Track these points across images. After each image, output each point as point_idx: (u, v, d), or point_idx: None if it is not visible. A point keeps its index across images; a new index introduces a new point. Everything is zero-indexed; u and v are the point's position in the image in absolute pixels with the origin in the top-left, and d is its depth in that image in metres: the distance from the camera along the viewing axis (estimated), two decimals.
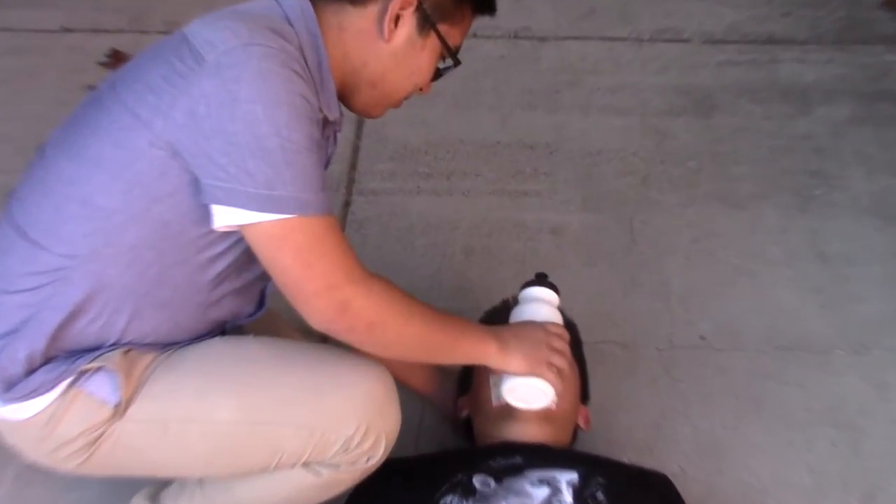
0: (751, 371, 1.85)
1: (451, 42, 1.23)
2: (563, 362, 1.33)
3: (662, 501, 1.38)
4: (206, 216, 1.08)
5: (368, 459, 1.24)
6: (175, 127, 1.03)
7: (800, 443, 1.72)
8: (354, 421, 1.19)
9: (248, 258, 1.15)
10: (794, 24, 2.86)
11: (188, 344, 1.24)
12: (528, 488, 1.27)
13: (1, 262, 1.15)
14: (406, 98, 1.28)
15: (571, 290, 1.51)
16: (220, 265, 1.17)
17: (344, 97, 1.24)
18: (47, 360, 1.14)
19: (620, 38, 2.82)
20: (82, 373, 1.14)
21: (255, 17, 1.09)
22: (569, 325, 1.54)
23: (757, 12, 2.91)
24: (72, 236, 1.10)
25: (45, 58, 2.73)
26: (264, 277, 1.23)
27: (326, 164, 1.25)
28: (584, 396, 1.61)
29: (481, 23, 1.28)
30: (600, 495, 1.27)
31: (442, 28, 1.20)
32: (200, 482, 1.38)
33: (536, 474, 1.29)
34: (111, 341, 1.16)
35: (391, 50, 1.19)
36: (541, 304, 1.44)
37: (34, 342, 1.12)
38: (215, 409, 1.17)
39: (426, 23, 1.18)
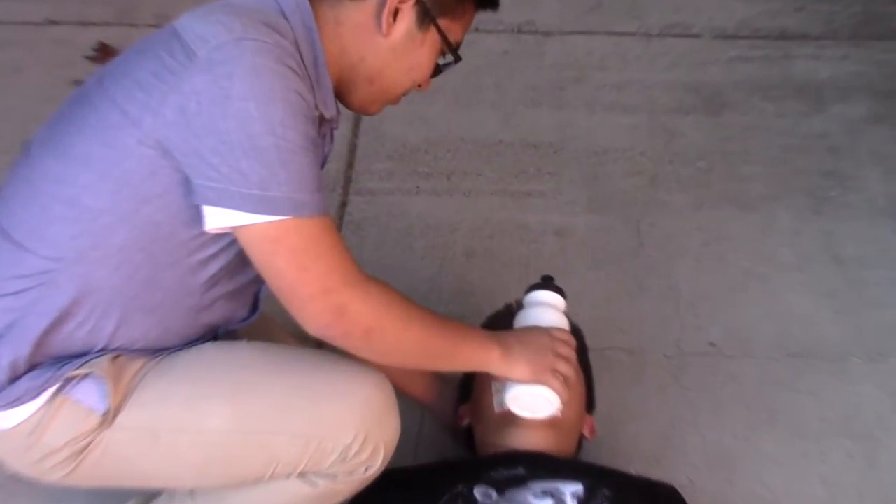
0: (762, 379, 1.85)
1: (452, 38, 1.23)
2: (569, 369, 1.33)
3: None
4: (197, 217, 1.08)
5: (366, 469, 1.24)
6: (165, 125, 1.04)
7: (813, 454, 1.72)
8: (352, 429, 1.19)
9: (241, 261, 1.15)
10: (808, 18, 2.87)
11: (179, 349, 1.24)
12: (532, 500, 1.27)
13: None
14: (404, 94, 1.29)
15: (576, 295, 1.51)
16: (213, 268, 1.17)
17: (340, 93, 1.24)
18: (32, 367, 1.14)
19: (628, 32, 2.83)
20: (69, 380, 1.14)
21: (248, 10, 1.09)
22: (574, 330, 1.54)
23: (769, 6, 2.91)
24: (58, 238, 1.10)
25: (30, 51, 2.73)
26: (258, 281, 1.23)
27: (322, 164, 1.25)
28: (590, 405, 1.61)
29: (483, 16, 1.28)
30: None
31: (442, 23, 1.20)
32: (191, 493, 1.38)
33: (540, 486, 1.30)
34: (99, 347, 1.16)
35: (389, 45, 1.19)
36: (546, 309, 1.44)
37: (18, 348, 1.12)
38: (207, 417, 1.17)
39: (426, 17, 1.18)
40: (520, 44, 2.79)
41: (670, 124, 2.48)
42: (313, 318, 1.10)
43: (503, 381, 1.34)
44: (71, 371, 1.13)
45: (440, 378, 1.71)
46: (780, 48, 2.74)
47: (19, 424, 1.14)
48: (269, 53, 1.04)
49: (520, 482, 1.30)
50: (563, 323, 1.43)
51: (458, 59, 1.26)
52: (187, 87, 1.02)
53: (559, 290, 1.48)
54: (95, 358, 1.15)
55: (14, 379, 1.13)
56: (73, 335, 1.14)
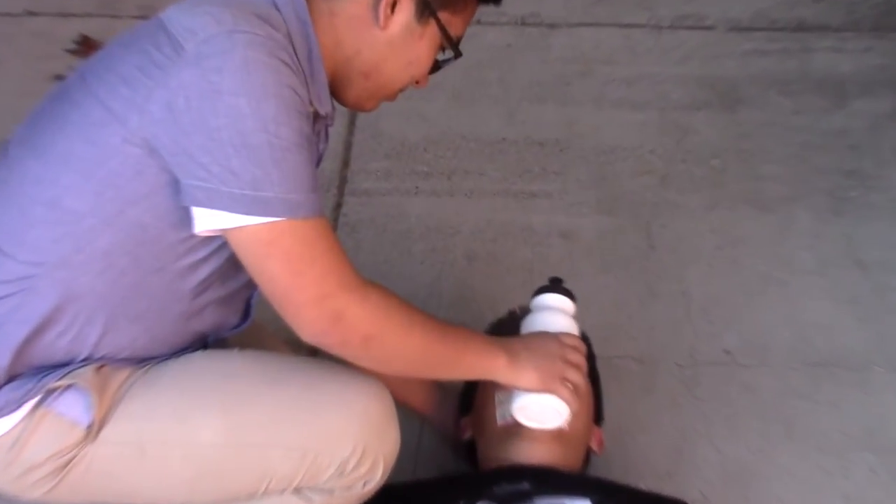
0: (780, 389, 1.85)
1: (453, 32, 1.23)
2: (580, 378, 1.33)
3: None
4: (186, 219, 1.08)
5: (365, 484, 1.24)
6: (151, 122, 1.04)
7: (835, 469, 1.72)
8: (350, 442, 1.19)
9: (232, 265, 1.16)
10: (827, 8, 2.87)
11: (167, 359, 1.24)
12: None
13: None
14: (401, 91, 1.29)
15: (584, 300, 1.51)
16: (202, 273, 1.17)
17: (335, 89, 1.24)
18: (12, 378, 1.13)
19: (638, 24, 2.83)
20: (51, 391, 1.14)
21: (238, 1, 1.09)
22: (581, 337, 1.54)
23: None
24: (39, 242, 1.10)
25: (8, 44, 2.74)
26: (250, 286, 1.23)
27: (317, 162, 1.25)
28: (598, 416, 1.61)
29: (486, 8, 1.28)
30: None
31: (443, 16, 1.20)
32: None
33: (545, 502, 1.30)
34: (83, 356, 1.16)
35: (387, 38, 1.19)
36: (555, 313, 1.44)
37: None
38: (198, 430, 1.17)
39: (426, 10, 1.19)
40: (524, 37, 2.79)
41: (682, 121, 2.48)
42: (309, 324, 1.10)
43: (508, 391, 1.34)
44: (53, 382, 1.13)
45: (440, 387, 1.71)
46: (799, 40, 2.75)
47: None
48: (261, 46, 1.04)
49: (524, 498, 1.30)
50: (572, 328, 1.42)
51: (458, 54, 1.26)
52: (175, 83, 1.03)
53: (568, 293, 1.47)
54: (79, 368, 1.15)
55: None
56: (56, 344, 1.14)
